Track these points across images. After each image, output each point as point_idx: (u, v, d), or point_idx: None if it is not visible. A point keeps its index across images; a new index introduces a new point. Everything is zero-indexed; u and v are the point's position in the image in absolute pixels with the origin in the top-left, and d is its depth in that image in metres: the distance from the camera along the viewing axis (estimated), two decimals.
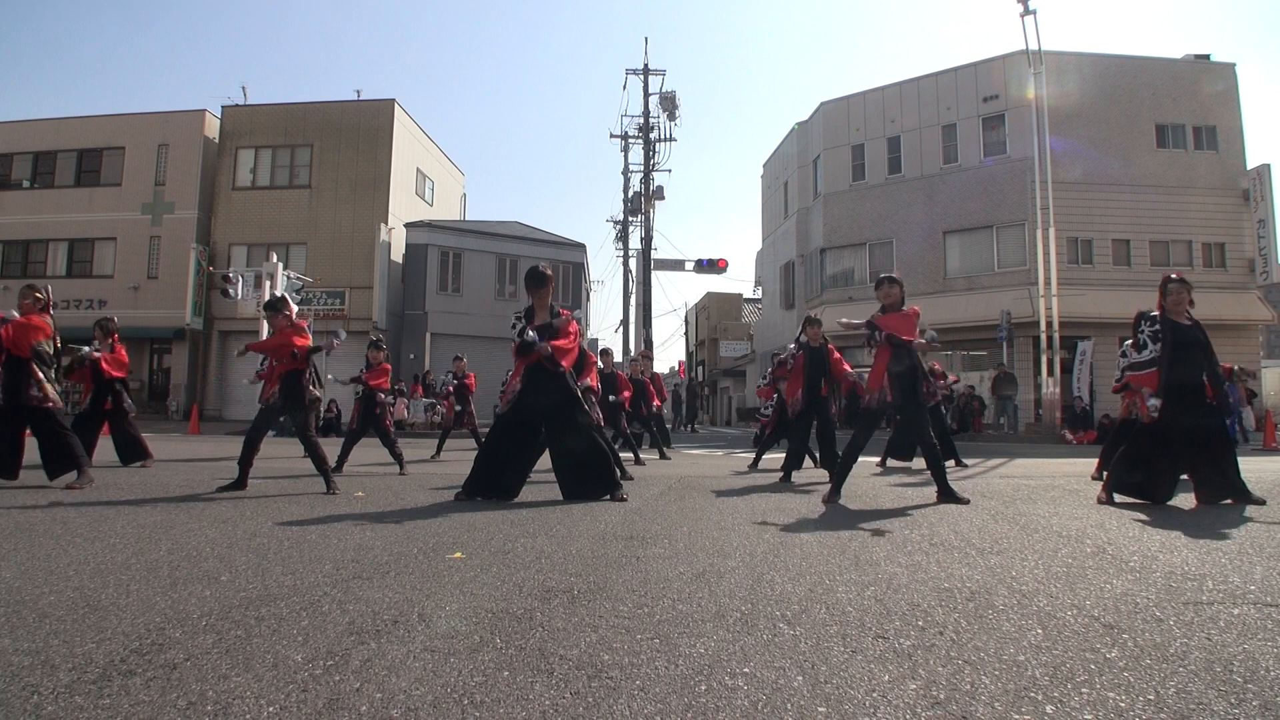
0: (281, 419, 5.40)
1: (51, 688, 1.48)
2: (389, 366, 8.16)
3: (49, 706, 1.39)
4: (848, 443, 5.38)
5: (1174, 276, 4.89)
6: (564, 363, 4.90)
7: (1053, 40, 52.91)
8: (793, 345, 7.08)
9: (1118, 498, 4.83)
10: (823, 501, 4.86)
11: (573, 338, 5.03)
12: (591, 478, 4.90)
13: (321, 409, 15.36)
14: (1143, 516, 4.14)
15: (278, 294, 5.30)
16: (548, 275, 5.03)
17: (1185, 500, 4.83)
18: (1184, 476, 4.92)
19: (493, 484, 4.77)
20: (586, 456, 4.91)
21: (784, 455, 6.99)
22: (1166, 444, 4.68)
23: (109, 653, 1.68)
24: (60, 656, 1.66)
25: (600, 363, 8.37)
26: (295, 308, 5.52)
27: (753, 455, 8.53)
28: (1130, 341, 5.32)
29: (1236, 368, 12.75)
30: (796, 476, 6.66)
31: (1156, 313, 4.90)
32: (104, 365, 6.86)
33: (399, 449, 7.26)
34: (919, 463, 7.67)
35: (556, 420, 4.92)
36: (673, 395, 23.14)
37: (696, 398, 28.03)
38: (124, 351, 7.19)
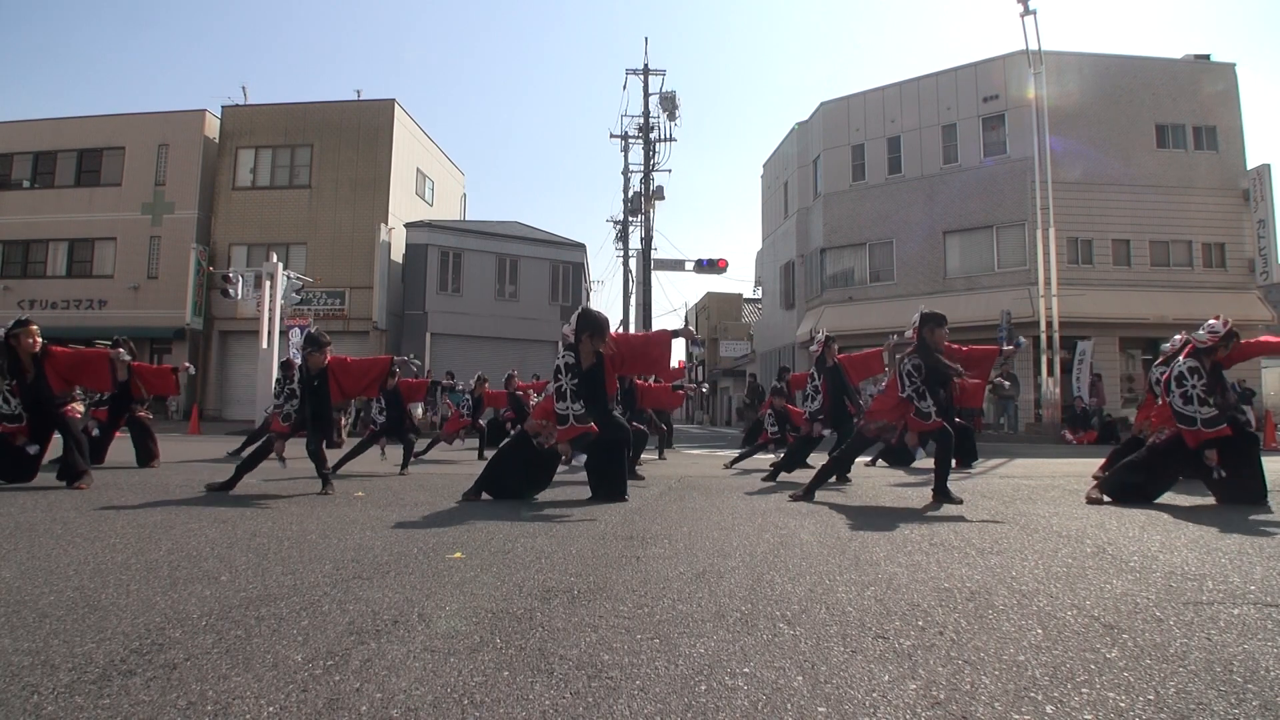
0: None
1: (51, 688, 1.48)
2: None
3: (49, 706, 1.39)
4: (837, 451, 5.39)
5: (1232, 328, 4.66)
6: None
7: (1053, 40, 52.84)
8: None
9: (1106, 499, 4.81)
10: (791, 499, 4.93)
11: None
12: (599, 482, 4.93)
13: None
14: (1143, 516, 4.14)
15: (318, 336, 5.45)
16: (604, 325, 4.90)
17: (1184, 500, 4.83)
18: (1188, 478, 4.92)
19: (501, 486, 4.80)
20: (602, 461, 4.92)
21: (782, 454, 7.00)
22: (1185, 457, 4.66)
23: (109, 653, 1.68)
24: (60, 656, 1.66)
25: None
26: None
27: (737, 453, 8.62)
28: (1169, 371, 4.80)
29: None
30: (786, 478, 6.65)
31: (1196, 363, 4.56)
32: (137, 385, 7.10)
33: (412, 449, 7.38)
34: (916, 463, 7.67)
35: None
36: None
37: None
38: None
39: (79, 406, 5.40)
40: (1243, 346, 4.87)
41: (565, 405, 4.66)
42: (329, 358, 5.37)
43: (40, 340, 5.24)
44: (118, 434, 7.42)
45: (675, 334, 5.29)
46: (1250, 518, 4.05)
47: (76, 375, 5.43)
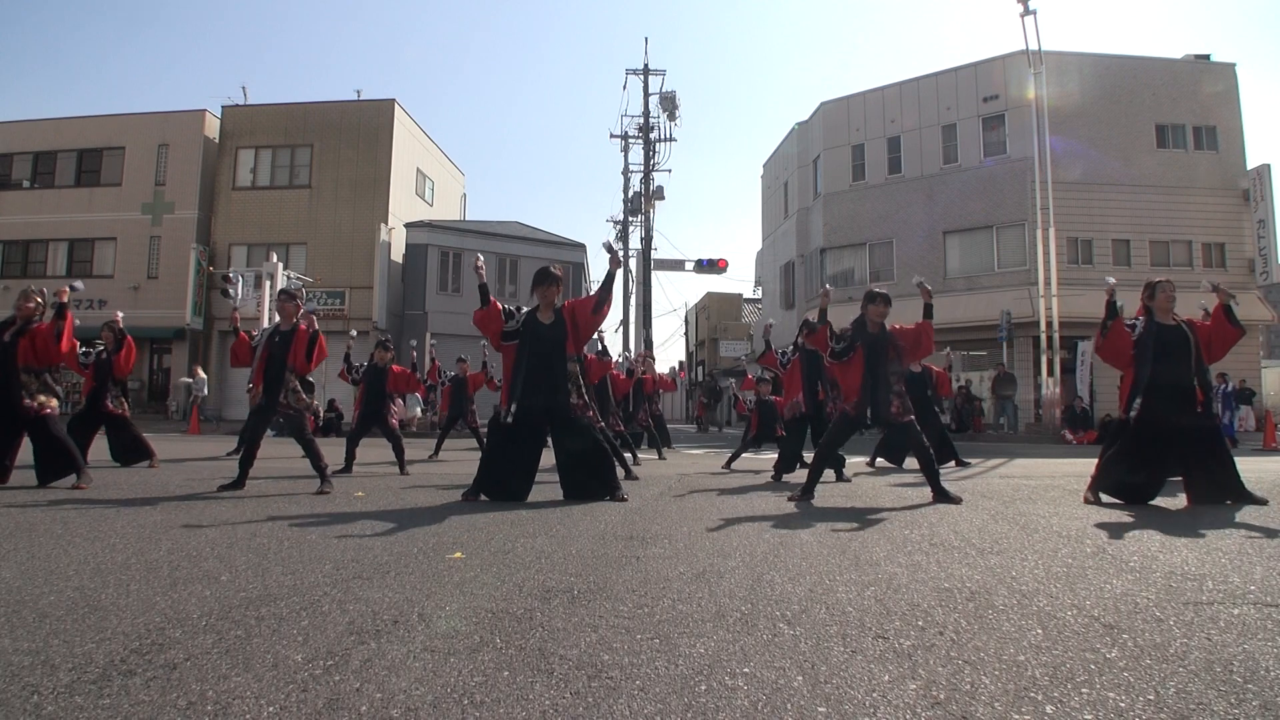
0: (280, 420, 5.42)
1: (51, 688, 1.48)
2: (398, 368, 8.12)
3: (49, 706, 1.39)
4: (822, 444, 5.36)
5: (1162, 279, 5.11)
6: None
7: (1053, 40, 52.85)
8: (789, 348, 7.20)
9: (1105, 498, 4.81)
10: (789, 500, 4.91)
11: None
12: (591, 478, 4.90)
13: (321, 409, 15.38)
14: (1143, 517, 4.14)
15: (288, 287, 5.49)
16: (557, 274, 5.05)
17: (1178, 501, 4.83)
18: (1176, 478, 4.93)
19: (498, 488, 4.78)
20: (587, 456, 4.91)
21: (775, 456, 7.01)
22: (1165, 445, 4.67)
23: (109, 653, 1.68)
24: (60, 656, 1.66)
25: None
26: (302, 305, 5.57)
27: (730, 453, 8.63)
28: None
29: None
30: (789, 478, 6.66)
31: (1136, 319, 5.04)
32: (119, 365, 6.94)
33: (402, 445, 7.31)
34: (912, 463, 7.67)
35: (555, 420, 4.93)
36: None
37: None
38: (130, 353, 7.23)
39: (53, 402, 5.29)
40: (1210, 332, 5.01)
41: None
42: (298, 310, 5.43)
43: (36, 309, 5.16)
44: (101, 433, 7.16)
45: (609, 280, 5.18)
46: (1250, 518, 4.06)
47: (46, 341, 5.19)
